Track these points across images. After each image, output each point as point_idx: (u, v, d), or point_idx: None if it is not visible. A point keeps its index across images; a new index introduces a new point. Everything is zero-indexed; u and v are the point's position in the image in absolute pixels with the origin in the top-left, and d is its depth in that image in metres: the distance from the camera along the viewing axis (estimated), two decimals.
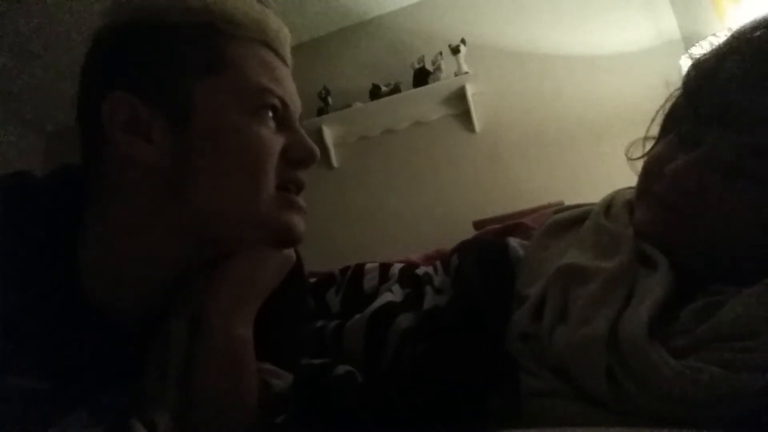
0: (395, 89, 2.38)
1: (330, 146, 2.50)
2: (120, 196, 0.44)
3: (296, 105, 0.50)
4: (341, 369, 0.52)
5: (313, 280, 0.72)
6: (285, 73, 0.49)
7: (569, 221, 0.60)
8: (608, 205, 0.57)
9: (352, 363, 0.55)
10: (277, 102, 0.46)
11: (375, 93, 2.41)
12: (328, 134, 2.49)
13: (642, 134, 0.58)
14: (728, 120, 0.43)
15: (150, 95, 0.43)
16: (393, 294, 0.62)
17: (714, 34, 1.49)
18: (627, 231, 0.50)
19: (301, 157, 0.48)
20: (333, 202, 2.47)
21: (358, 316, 0.60)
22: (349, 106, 2.42)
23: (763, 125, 0.41)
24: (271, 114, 0.46)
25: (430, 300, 0.58)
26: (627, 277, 0.45)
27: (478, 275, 0.56)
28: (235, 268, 0.46)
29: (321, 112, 2.45)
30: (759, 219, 0.42)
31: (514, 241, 0.62)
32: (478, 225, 1.89)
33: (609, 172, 1.74)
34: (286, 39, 0.50)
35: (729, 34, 0.47)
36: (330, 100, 2.47)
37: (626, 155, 0.60)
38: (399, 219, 2.38)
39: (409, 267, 0.68)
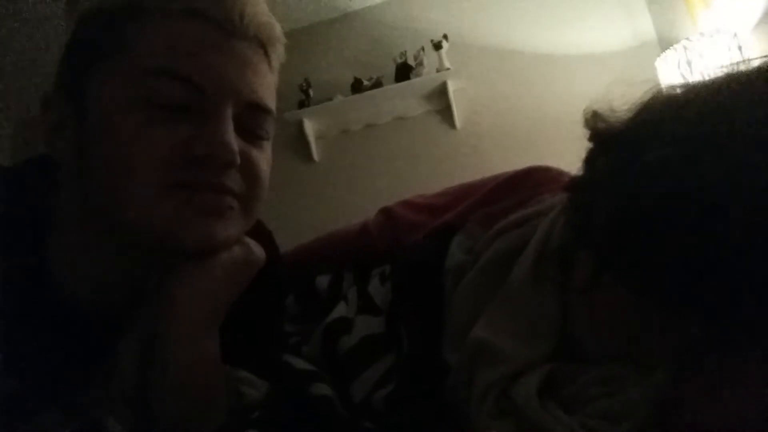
0: (377, 83, 2.37)
1: (311, 139, 2.48)
2: (63, 191, 0.44)
3: (228, 84, 0.39)
4: (319, 389, 0.49)
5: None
6: (213, 46, 0.39)
7: (506, 255, 0.52)
8: (545, 242, 0.50)
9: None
10: (176, 86, 0.38)
11: (357, 87, 2.39)
12: (309, 127, 2.47)
13: None
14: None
15: (65, 87, 0.41)
16: (347, 306, 0.59)
17: (687, 38, 1.52)
18: (552, 312, 0.46)
19: (202, 153, 0.38)
20: (313, 195, 2.45)
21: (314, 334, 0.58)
22: (330, 99, 2.40)
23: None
24: (169, 101, 0.38)
25: (362, 328, 0.55)
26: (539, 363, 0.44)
27: (412, 318, 0.52)
28: (180, 284, 0.40)
29: (302, 104, 2.43)
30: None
31: (455, 244, 0.57)
32: None
33: None
34: (234, 4, 0.40)
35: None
36: (311, 92, 2.45)
37: None
38: None
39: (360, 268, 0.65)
